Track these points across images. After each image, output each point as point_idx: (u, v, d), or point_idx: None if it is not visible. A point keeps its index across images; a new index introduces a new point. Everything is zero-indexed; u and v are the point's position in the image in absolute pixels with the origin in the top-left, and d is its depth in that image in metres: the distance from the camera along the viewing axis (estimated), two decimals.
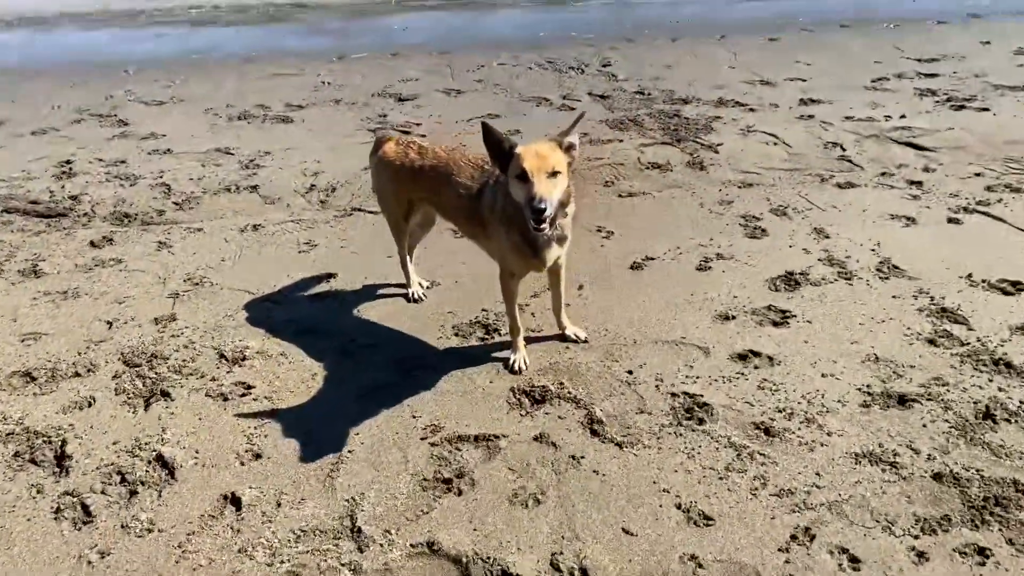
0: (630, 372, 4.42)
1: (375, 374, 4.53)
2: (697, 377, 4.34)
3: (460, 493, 3.71)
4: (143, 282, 5.65)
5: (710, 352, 4.54)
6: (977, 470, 3.58)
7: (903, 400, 4.08)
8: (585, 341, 4.71)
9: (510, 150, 3.70)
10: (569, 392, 4.29)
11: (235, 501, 3.74)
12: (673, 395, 4.22)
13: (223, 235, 6.29)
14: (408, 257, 5.25)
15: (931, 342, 4.51)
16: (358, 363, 4.64)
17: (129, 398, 4.45)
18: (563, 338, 4.75)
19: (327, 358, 4.70)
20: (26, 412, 4.33)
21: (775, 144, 7.46)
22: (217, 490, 3.80)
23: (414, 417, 4.19)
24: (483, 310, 5.05)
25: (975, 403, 4.03)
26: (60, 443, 4.09)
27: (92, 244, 6.25)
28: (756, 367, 4.41)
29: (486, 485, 3.70)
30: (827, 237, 5.75)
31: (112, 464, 3.97)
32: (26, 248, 6.23)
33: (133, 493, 3.81)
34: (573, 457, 3.87)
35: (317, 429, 4.14)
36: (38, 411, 4.35)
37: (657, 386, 4.30)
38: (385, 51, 11.18)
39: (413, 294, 5.23)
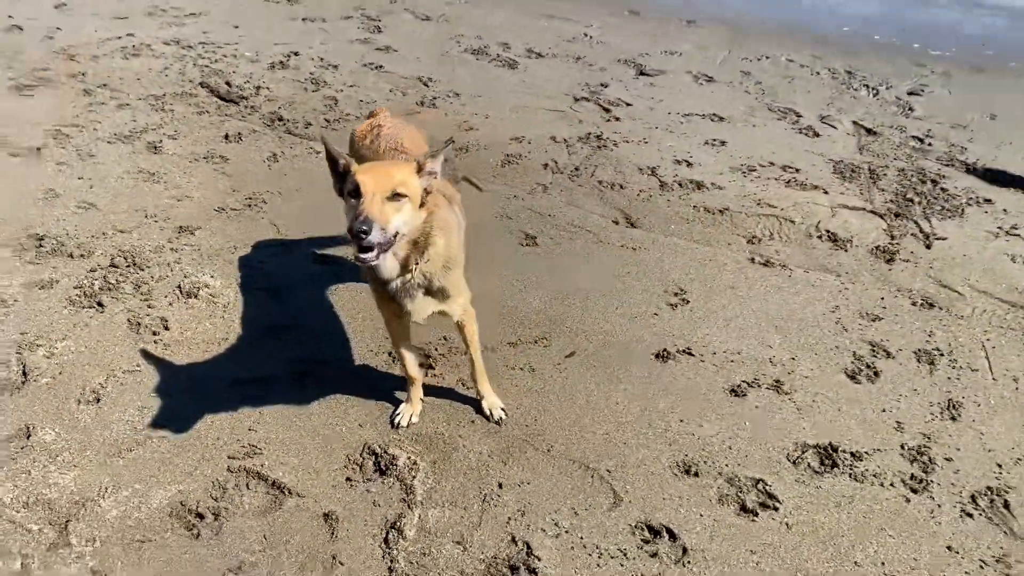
0: (500, 486, 3.45)
1: (272, 366, 4.08)
2: (566, 531, 3.25)
3: (197, 536, 3.19)
4: (217, 188, 5.69)
5: (619, 506, 3.37)
6: None
7: None
8: (497, 423, 3.77)
9: (345, 168, 2.89)
10: (413, 476, 3.47)
11: (28, 435, 3.60)
12: (513, 540, 3.20)
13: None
14: None
15: None
16: (275, 345, 4.24)
17: (78, 295, 4.50)
18: (479, 408, 3.84)
19: (254, 329, 4.34)
20: None
21: None
22: (29, 417, 3.71)
23: (250, 430, 3.70)
24: (444, 338, 4.28)
25: None
26: None
27: (226, 137, 6.44)
28: (652, 555, 3.18)
29: (225, 543, 3.17)
30: (953, 419, 3.94)
31: None
32: (178, 123, 6.61)
33: None
34: (335, 558, 3.12)
35: (165, 398, 3.85)
36: (4, 275, 4.57)
37: (510, 519, 3.30)
38: (682, 15, 9.96)
39: None
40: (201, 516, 3.27)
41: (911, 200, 5.95)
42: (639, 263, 5.05)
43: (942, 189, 6.14)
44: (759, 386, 4.07)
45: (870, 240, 5.41)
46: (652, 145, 6.64)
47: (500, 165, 6.20)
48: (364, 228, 2.64)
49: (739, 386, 4.06)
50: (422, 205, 2.91)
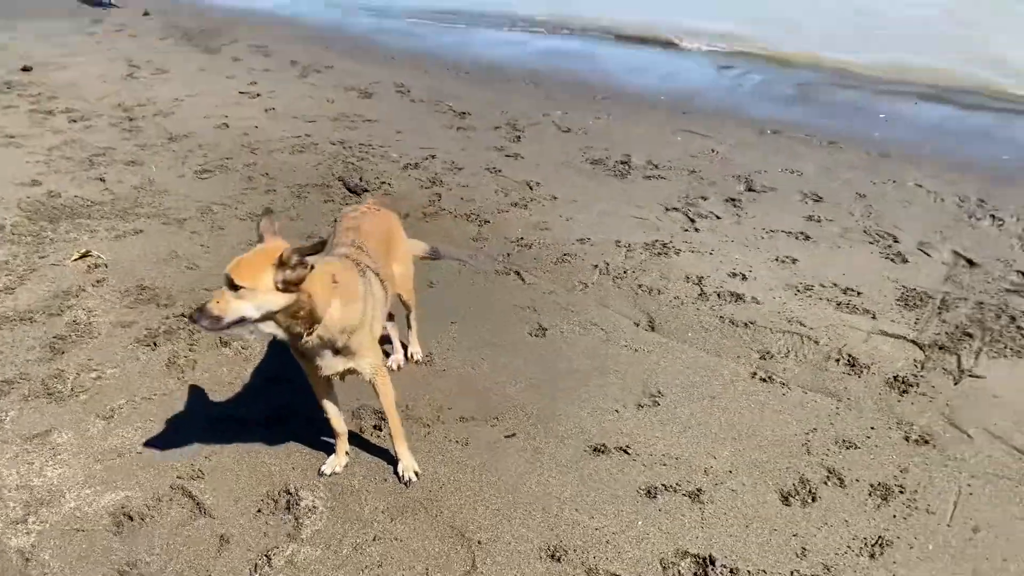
0: (375, 539, 3.80)
1: (254, 409, 4.73)
2: None
3: (118, 534, 3.84)
4: None
5: (471, 575, 3.57)
6: None
7: None
8: (405, 484, 4.12)
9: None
10: (308, 517, 3.91)
11: (49, 434, 4.48)
12: None
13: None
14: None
15: None
16: (266, 393, 4.88)
17: (145, 335, 5.48)
18: (396, 469, 4.22)
19: (257, 378, 5.03)
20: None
21: None
22: (57, 423, 4.59)
23: (206, 458, 4.34)
24: (407, 406, 4.71)
25: None
26: None
27: (334, 222, 7.39)
28: None
29: (135, 543, 3.80)
30: (872, 556, 3.66)
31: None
32: (304, 208, 7.72)
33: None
34: (209, 572, 3.63)
35: (160, 424, 4.59)
36: (102, 313, 5.67)
37: (365, 568, 3.64)
38: (824, 136, 9.76)
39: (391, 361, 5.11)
40: (131, 518, 3.91)
41: (970, 335, 5.53)
42: (633, 363, 5.18)
43: (1018, 328, 5.63)
44: (675, 491, 4.07)
45: (892, 369, 5.13)
46: (716, 257, 6.70)
47: (554, 262, 6.59)
48: (192, 315, 3.30)
49: (655, 487, 4.09)
50: (289, 290, 3.35)
